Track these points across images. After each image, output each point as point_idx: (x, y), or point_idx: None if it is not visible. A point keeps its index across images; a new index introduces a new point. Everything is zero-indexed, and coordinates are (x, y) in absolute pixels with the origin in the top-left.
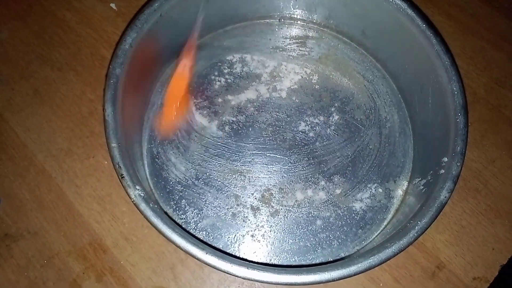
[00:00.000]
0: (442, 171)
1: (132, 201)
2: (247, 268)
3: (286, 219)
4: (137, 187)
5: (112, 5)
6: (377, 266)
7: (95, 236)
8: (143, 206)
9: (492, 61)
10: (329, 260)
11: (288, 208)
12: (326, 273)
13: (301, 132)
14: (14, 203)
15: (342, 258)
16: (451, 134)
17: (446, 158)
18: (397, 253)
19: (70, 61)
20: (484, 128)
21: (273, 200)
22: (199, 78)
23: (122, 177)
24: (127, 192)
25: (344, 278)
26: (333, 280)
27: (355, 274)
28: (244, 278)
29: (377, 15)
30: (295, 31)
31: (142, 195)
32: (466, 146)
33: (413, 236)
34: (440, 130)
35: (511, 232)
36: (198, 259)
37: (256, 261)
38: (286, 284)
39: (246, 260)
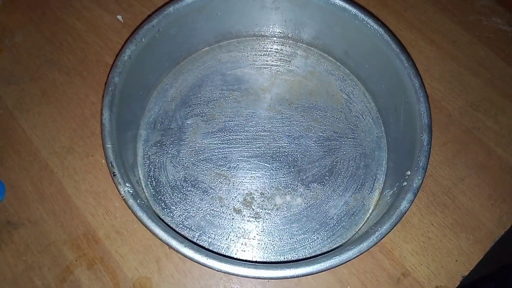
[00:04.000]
0: (405, 183)
1: (122, 197)
2: (220, 261)
3: (265, 221)
4: (127, 185)
5: (119, 17)
6: (337, 265)
7: (89, 227)
8: (131, 201)
9: (469, 86)
10: None
11: (267, 211)
12: (291, 269)
13: (284, 142)
14: (18, 194)
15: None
16: (416, 150)
17: (409, 172)
18: (357, 255)
19: (77, 66)
20: (456, 148)
21: (254, 203)
22: (193, 87)
23: (114, 175)
24: (117, 189)
25: (306, 275)
26: (297, 276)
27: (317, 272)
28: (217, 270)
29: (358, 37)
30: (284, 48)
31: (131, 192)
32: (428, 162)
33: (373, 241)
34: (408, 146)
35: (475, 246)
36: (177, 250)
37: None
38: (255, 277)
39: (223, 255)
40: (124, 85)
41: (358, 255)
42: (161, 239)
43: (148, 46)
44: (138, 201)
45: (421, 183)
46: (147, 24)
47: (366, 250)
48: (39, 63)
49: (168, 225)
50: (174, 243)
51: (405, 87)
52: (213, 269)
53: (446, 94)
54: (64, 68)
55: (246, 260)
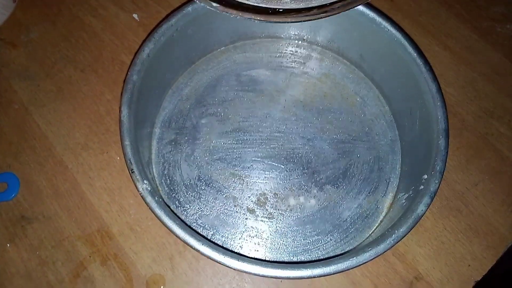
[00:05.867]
0: (422, 187)
1: (140, 194)
2: (237, 260)
3: (278, 222)
4: (145, 182)
5: (135, 15)
6: (354, 267)
7: (103, 224)
8: (149, 198)
9: (482, 92)
10: None
11: (281, 212)
12: (308, 269)
13: (298, 144)
14: (32, 189)
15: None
16: (433, 154)
17: (426, 176)
18: (374, 257)
19: (92, 63)
20: (470, 154)
21: (267, 204)
22: (208, 87)
23: (132, 172)
24: (135, 186)
25: (323, 276)
26: (314, 277)
27: (334, 273)
28: (233, 269)
29: (374, 41)
30: (299, 50)
31: (149, 189)
32: (445, 166)
33: (390, 243)
34: (424, 150)
35: (488, 252)
36: (194, 248)
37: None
38: (272, 277)
39: (238, 254)
40: (141, 83)
41: (374, 257)
42: (178, 237)
43: (166, 45)
44: (156, 199)
45: (438, 187)
46: (166, 23)
47: (383, 253)
48: (54, 59)
49: (185, 223)
50: (192, 241)
51: (421, 91)
52: (230, 268)
53: (459, 100)
54: (80, 65)
55: (261, 259)
